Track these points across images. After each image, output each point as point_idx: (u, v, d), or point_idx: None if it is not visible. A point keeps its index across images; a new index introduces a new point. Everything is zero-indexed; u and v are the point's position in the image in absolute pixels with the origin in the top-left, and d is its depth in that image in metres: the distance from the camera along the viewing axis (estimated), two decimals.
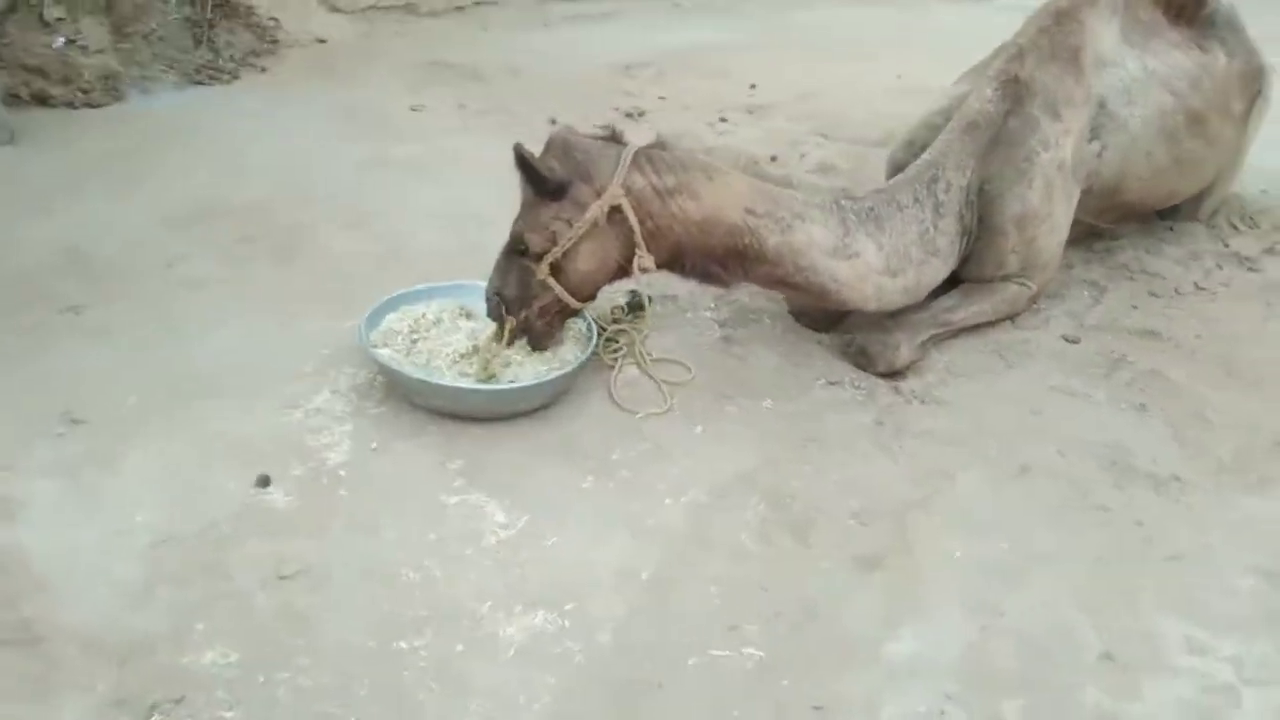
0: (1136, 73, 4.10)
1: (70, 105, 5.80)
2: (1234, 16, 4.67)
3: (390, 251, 4.53)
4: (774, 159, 5.67)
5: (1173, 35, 4.33)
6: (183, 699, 2.31)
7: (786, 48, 8.68)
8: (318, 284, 4.19)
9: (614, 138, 3.25)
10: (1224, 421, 3.56)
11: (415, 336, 3.53)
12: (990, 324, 4.00)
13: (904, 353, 3.67)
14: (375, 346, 3.39)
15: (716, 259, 3.27)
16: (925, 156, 3.66)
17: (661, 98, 6.92)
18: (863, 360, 3.71)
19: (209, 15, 6.58)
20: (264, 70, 6.80)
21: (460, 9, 8.94)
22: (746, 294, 4.02)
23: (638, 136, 3.43)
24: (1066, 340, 4.04)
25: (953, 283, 3.90)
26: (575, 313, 3.43)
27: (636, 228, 3.15)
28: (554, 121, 6.28)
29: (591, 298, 3.41)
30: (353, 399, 3.37)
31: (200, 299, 4.02)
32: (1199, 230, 4.97)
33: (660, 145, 3.26)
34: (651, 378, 3.60)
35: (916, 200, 3.57)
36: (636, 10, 9.57)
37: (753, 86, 7.29)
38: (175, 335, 3.75)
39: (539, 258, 3.23)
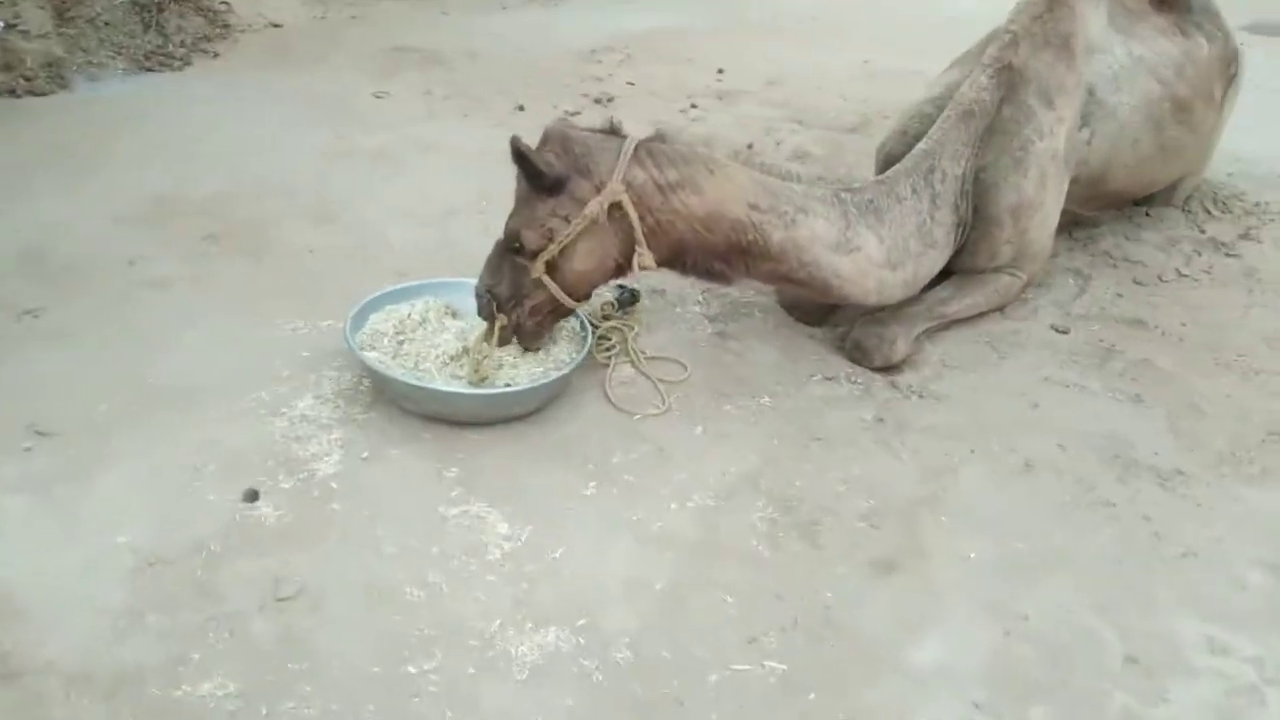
0: (1124, 59, 4.08)
1: (12, 94, 5.52)
2: (1210, 0, 4.68)
3: (361, 246, 4.37)
4: (750, 147, 5.57)
5: (1158, 21, 4.32)
6: None
7: (749, 31, 8.59)
8: (288, 281, 4.03)
9: (613, 130, 3.12)
10: (1216, 411, 3.55)
11: (401, 338, 3.38)
12: (981, 315, 3.96)
13: (900, 347, 3.61)
14: (362, 349, 3.23)
15: (720, 256, 3.17)
16: (921, 146, 3.59)
17: (630, 83, 6.79)
18: (858, 355, 3.65)
19: None
20: (216, 56, 6.54)
21: None
22: (736, 288, 3.93)
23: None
24: (1056, 330, 4.02)
25: (943, 274, 3.85)
26: (569, 312, 3.31)
27: (637, 224, 3.03)
28: (521, 108, 6.16)
29: (587, 297, 3.29)
30: (339, 405, 3.22)
31: (165, 300, 3.84)
32: (1175, 216, 4.98)
33: (660, 138, 3.14)
34: (648, 377, 3.50)
35: (914, 191, 3.50)
36: None
37: (720, 72, 7.19)
38: (142, 339, 3.56)
39: (534, 255, 3.10)
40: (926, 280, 3.66)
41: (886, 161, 3.93)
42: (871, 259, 3.35)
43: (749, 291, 4.01)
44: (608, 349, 3.58)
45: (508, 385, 3.20)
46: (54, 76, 5.65)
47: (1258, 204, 5.16)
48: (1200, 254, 4.66)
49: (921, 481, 3.12)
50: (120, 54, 6.02)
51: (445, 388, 3.13)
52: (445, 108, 6.12)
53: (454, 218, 4.71)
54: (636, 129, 3.30)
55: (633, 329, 3.72)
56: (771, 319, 3.96)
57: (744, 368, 3.63)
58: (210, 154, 5.17)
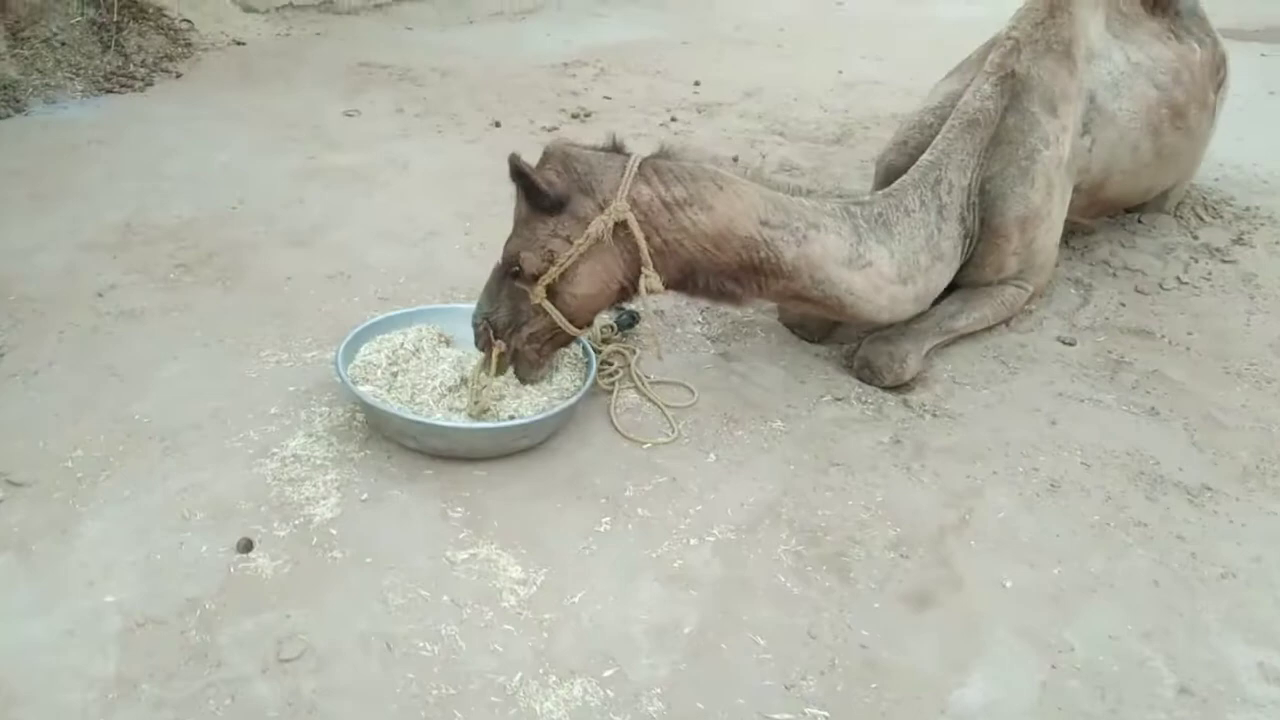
0: (1122, 65, 4.01)
1: None
2: (1197, 4, 4.65)
3: (340, 271, 4.19)
4: (735, 159, 5.45)
5: (1152, 25, 4.26)
6: None
7: (720, 43, 8.53)
8: (267, 310, 3.83)
9: (616, 148, 2.98)
10: (1234, 422, 3.48)
11: (395, 369, 3.21)
12: (988, 329, 3.87)
13: (911, 365, 3.50)
14: (355, 383, 3.06)
15: (730, 275, 3.02)
16: (927, 157, 3.49)
17: (606, 97, 6.67)
18: (868, 374, 3.53)
19: (116, 18, 6.09)
20: (179, 76, 6.32)
21: (379, 6, 8.56)
22: (742, 308, 3.79)
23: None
24: (1063, 343, 3.93)
25: (948, 287, 3.74)
26: (570, 340, 3.15)
27: (643, 244, 2.89)
28: (497, 124, 6.02)
29: (589, 323, 3.13)
30: (332, 442, 3.04)
31: (138, 333, 3.63)
32: (1168, 222, 4.94)
33: (666, 154, 3.00)
34: (654, 402, 3.36)
35: (922, 203, 3.39)
36: (559, 6, 9.30)
37: (696, 84, 7.10)
38: (116, 376, 3.36)
39: (534, 279, 2.94)
40: (935, 294, 3.55)
41: (888, 173, 3.82)
42: (883, 274, 3.24)
43: (750, 310, 3.89)
44: (610, 374, 3.44)
45: (512, 417, 3.04)
46: (9, 100, 5.41)
47: (1247, 209, 5.14)
48: (1197, 260, 4.62)
49: (947, 506, 3.00)
50: (79, 75, 5.79)
51: (448, 423, 2.97)
52: (418, 125, 5.95)
53: (435, 239, 4.54)
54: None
55: (634, 353, 3.58)
56: (774, 337, 3.83)
57: (752, 390, 3.50)
58: (177, 177, 4.96)
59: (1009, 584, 2.72)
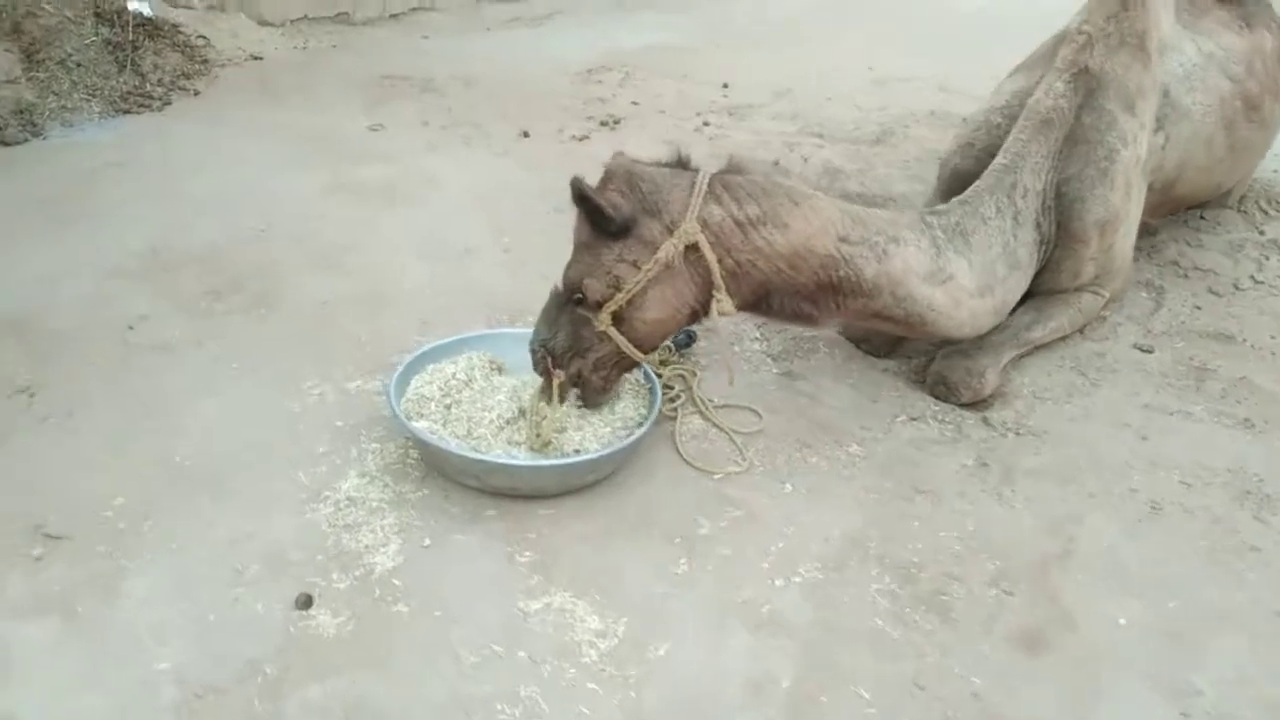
0: (1194, 56, 3.82)
1: None
2: None
3: (376, 294, 4.00)
4: (776, 164, 5.27)
5: (1221, 14, 4.07)
6: None
7: (741, 42, 8.33)
8: (303, 338, 3.66)
9: (682, 164, 2.79)
10: None
11: (448, 400, 3.03)
12: (1063, 338, 3.67)
13: (990, 380, 3.32)
14: (409, 418, 2.88)
15: (807, 296, 2.83)
16: (1000, 160, 3.29)
17: (634, 103, 6.48)
18: (943, 391, 3.35)
19: (131, 37, 5.91)
20: (197, 94, 6.14)
21: (395, 16, 8.38)
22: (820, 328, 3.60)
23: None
24: (1140, 350, 3.74)
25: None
26: (635, 365, 2.97)
27: (715, 267, 2.70)
28: (526, 134, 5.83)
29: (655, 348, 2.95)
30: (387, 483, 2.86)
31: (172, 366, 3.46)
32: (1231, 217, 4.74)
33: (735, 168, 2.81)
34: (720, 428, 3.17)
35: (998, 210, 3.20)
36: (576, 10, 9.11)
37: (725, 86, 6.91)
38: (152, 416, 3.18)
39: (599, 306, 2.76)
40: (1012, 305, 3.36)
41: (954, 177, 3.64)
42: (964, 287, 3.05)
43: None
44: (672, 399, 3.25)
45: (577, 451, 2.86)
46: (26, 124, 5.23)
47: None
48: (1268, 258, 4.41)
49: (1045, 535, 2.81)
50: (95, 96, 5.61)
51: (515, 462, 2.78)
52: (445, 138, 5.77)
53: (472, 257, 4.36)
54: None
55: (695, 374, 3.39)
56: (839, 353, 3.65)
57: (821, 411, 3.31)
58: (201, 199, 4.79)
59: (1123, 621, 2.53)
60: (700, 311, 2.81)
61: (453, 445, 2.79)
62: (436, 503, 2.80)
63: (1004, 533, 2.80)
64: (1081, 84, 3.40)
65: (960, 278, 3.03)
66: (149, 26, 6.12)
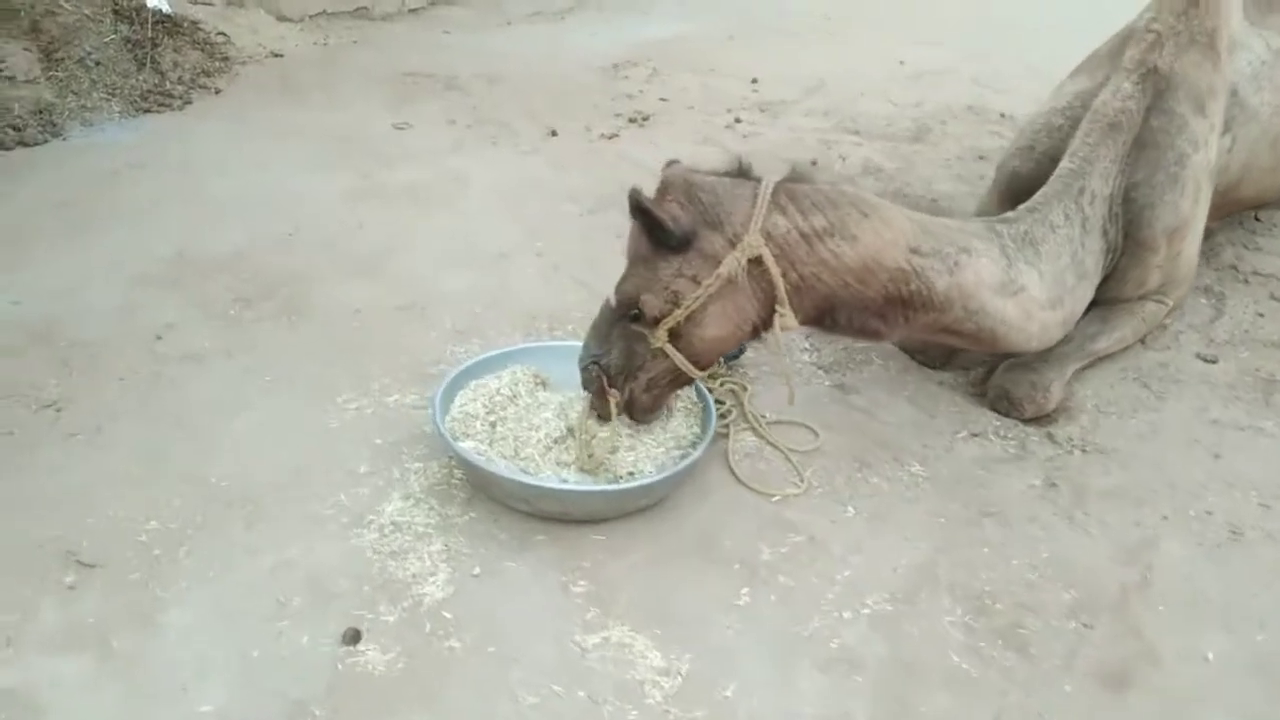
0: (1263, 54, 3.66)
1: (1, 146, 4.96)
2: None
3: (411, 302, 3.88)
4: (814, 163, 5.13)
5: None
6: None
7: (767, 35, 8.19)
8: (337, 349, 3.54)
9: (743, 172, 2.65)
10: None
11: (492, 418, 2.91)
12: (1125, 348, 3.53)
13: (1055, 394, 3.19)
14: (456, 438, 2.75)
15: (875, 311, 2.69)
16: (1068, 165, 3.15)
17: (663, 99, 6.35)
18: (1004, 406, 3.22)
19: (150, 34, 5.79)
20: (218, 92, 6.03)
21: (415, 11, 8.27)
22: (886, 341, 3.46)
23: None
24: (1204, 360, 3.60)
25: None
26: (689, 382, 2.84)
27: (779, 281, 2.56)
28: (554, 133, 5.70)
29: (713, 364, 2.82)
30: (433, 505, 2.74)
31: (203, 379, 3.34)
32: None
33: (799, 176, 2.67)
34: (775, 446, 3.04)
35: (1067, 218, 3.06)
36: (597, 3, 8.97)
37: (754, 81, 6.77)
38: (184, 431, 3.07)
39: (655, 322, 2.62)
40: (1079, 316, 3.22)
41: (1012, 181, 3.50)
42: (1035, 299, 2.91)
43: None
44: (723, 414, 3.12)
45: (631, 473, 2.73)
46: (46, 124, 5.12)
47: None
48: None
49: (1121, 562, 2.68)
50: (115, 95, 5.49)
51: (568, 487, 2.65)
52: (472, 137, 5.65)
53: (507, 262, 4.24)
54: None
55: (745, 389, 3.27)
56: (893, 365, 3.51)
57: (878, 428, 3.18)
58: (226, 201, 4.67)
59: (1211, 656, 2.40)
60: (761, 327, 2.68)
61: (503, 469, 2.67)
62: (484, 528, 2.68)
63: (1078, 560, 2.67)
64: (1150, 85, 3.25)
65: (1031, 289, 2.89)
66: (168, 24, 6.01)
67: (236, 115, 5.73)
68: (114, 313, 3.71)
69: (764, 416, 3.16)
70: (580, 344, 2.84)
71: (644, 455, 2.81)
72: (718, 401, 3.12)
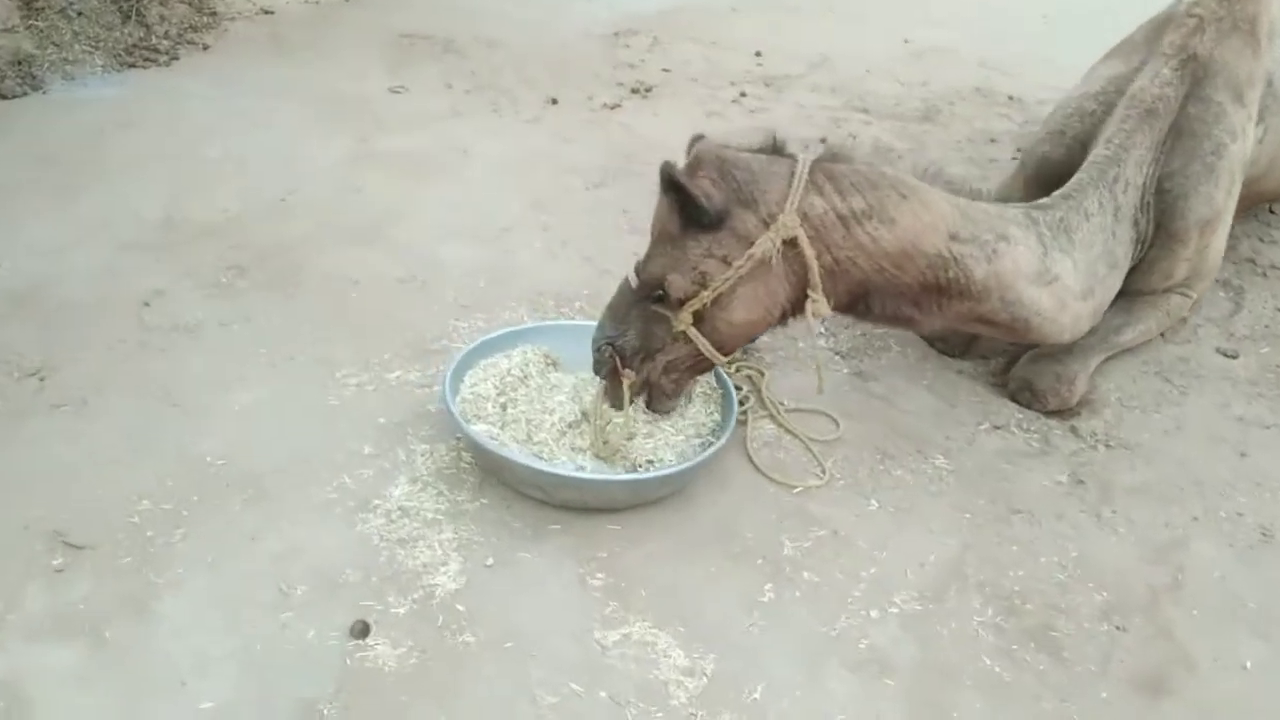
0: None
1: None
2: None
3: (412, 274, 3.74)
4: (823, 141, 5.01)
5: None
6: None
7: (769, 8, 8.00)
8: (336, 321, 3.40)
9: (777, 149, 2.51)
10: None
11: (503, 399, 2.78)
12: (1146, 341, 3.46)
13: (1079, 386, 3.10)
14: (468, 421, 2.63)
15: (910, 298, 2.58)
16: (1103, 151, 3.04)
17: (665, 69, 6.18)
18: (1027, 397, 3.13)
19: None
20: (206, 48, 5.81)
21: None
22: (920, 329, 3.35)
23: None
24: (1225, 355, 3.53)
25: None
26: (710, 368, 2.71)
27: (814, 264, 2.44)
28: (554, 101, 5.54)
29: (736, 350, 2.70)
30: (442, 490, 2.62)
31: (196, 351, 3.19)
32: None
33: (836, 155, 2.54)
34: (795, 435, 2.94)
35: (1100, 206, 2.96)
36: None
37: (758, 54, 6.61)
38: (176, 406, 2.92)
39: (680, 304, 2.50)
40: (1107, 306, 3.12)
41: (1041, 166, 3.40)
42: (1069, 289, 2.81)
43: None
44: (740, 400, 3.01)
45: (650, 461, 2.62)
46: (25, 76, 4.91)
47: None
48: None
49: (1152, 563, 2.60)
50: (98, 49, 5.27)
51: (587, 476, 2.54)
52: (470, 103, 5.47)
53: (511, 235, 4.10)
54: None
55: (763, 375, 3.16)
56: (911, 352, 3.42)
57: (899, 417, 3.09)
58: (216, 164, 4.49)
59: (1249, 664, 2.33)
60: (790, 312, 2.56)
61: (518, 455, 2.55)
62: (496, 514, 2.57)
63: (1108, 560, 2.59)
64: (1189, 71, 3.14)
65: (1065, 278, 2.79)
66: None
67: (225, 73, 5.52)
68: (100, 277, 3.54)
69: (782, 403, 3.06)
70: (592, 324, 2.70)
71: (663, 443, 2.70)
72: (735, 387, 3.01)
